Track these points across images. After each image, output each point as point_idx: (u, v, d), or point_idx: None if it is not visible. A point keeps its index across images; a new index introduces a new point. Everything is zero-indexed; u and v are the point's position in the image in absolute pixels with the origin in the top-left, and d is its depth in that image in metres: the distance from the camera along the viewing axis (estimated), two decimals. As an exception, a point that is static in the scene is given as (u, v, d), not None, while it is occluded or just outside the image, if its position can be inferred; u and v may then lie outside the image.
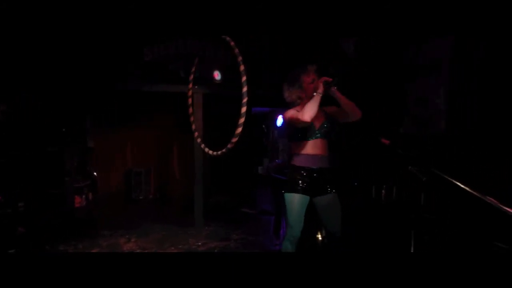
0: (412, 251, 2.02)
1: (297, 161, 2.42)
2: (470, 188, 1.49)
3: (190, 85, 2.91)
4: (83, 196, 5.55)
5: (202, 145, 3.01)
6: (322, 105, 2.36)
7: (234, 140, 2.89)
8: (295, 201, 2.38)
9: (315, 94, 2.23)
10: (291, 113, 2.37)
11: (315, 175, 2.38)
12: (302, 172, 2.38)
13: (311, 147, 2.38)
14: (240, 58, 2.98)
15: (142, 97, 5.19)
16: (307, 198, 2.41)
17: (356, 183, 3.86)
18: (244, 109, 2.87)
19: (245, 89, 2.92)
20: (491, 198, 1.43)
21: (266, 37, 4.52)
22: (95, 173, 5.86)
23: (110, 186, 6.10)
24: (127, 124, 6.02)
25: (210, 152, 3.22)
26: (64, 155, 5.12)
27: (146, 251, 3.70)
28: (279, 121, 7.46)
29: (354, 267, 1.44)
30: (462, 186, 1.51)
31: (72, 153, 5.28)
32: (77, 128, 5.53)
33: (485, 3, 2.24)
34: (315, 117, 2.33)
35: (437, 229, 2.78)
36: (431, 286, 1.51)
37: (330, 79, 2.20)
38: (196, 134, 2.92)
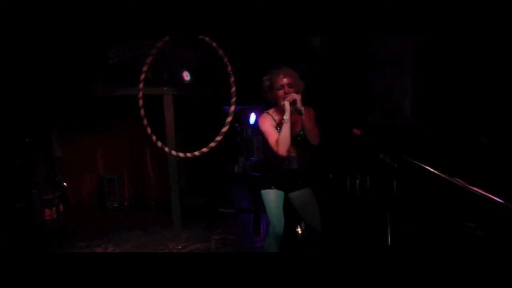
0: (388, 237, 2.08)
1: (270, 161, 2.46)
2: (439, 172, 1.56)
3: (141, 85, 2.80)
4: (54, 208, 5.31)
5: (166, 148, 2.96)
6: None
7: (219, 138, 2.91)
8: (271, 196, 2.42)
9: (283, 121, 2.20)
10: (266, 128, 2.35)
11: (287, 174, 2.42)
12: (275, 171, 2.41)
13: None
14: (226, 59, 3.03)
15: (110, 102, 5.02)
16: (282, 193, 2.45)
17: (331, 175, 3.94)
18: (232, 108, 2.95)
19: (233, 89, 3.01)
20: (458, 180, 1.50)
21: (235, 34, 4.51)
22: (65, 183, 5.62)
23: (82, 195, 5.88)
24: (96, 131, 5.82)
25: (176, 154, 3.19)
26: (30, 166, 4.89)
27: (124, 259, 3.60)
28: (252, 118, 7.48)
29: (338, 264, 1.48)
30: (432, 170, 1.58)
31: (39, 163, 5.05)
32: (42, 137, 5.29)
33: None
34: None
35: (410, 214, 2.89)
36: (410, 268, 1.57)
37: (296, 97, 2.17)
38: (153, 137, 2.83)
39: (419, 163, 1.60)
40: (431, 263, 2.65)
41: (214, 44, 3.12)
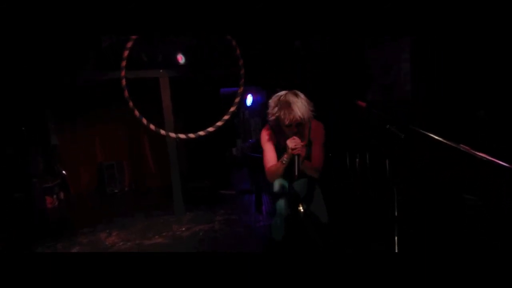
0: (395, 212, 2.09)
1: None
2: (445, 139, 1.56)
3: (123, 73, 2.68)
4: (55, 196, 5.32)
5: (162, 131, 2.92)
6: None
7: (226, 117, 2.91)
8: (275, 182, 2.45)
9: (283, 161, 2.18)
10: (264, 145, 2.38)
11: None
12: None
13: None
14: (234, 42, 3.01)
15: (106, 87, 4.95)
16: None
17: (330, 154, 3.95)
18: (241, 89, 2.95)
19: (242, 71, 3.00)
20: (464, 146, 1.51)
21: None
22: (64, 172, 5.60)
23: (82, 183, 5.87)
24: (93, 117, 5.75)
25: (176, 135, 3.16)
26: (28, 156, 4.85)
27: (129, 242, 3.63)
28: (249, 100, 7.43)
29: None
30: (438, 138, 1.58)
31: (36, 152, 5.01)
32: (38, 126, 5.23)
33: None
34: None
35: (414, 187, 2.92)
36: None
37: (300, 153, 2.12)
38: (144, 120, 2.78)
39: (426, 132, 1.60)
40: (434, 239, 2.70)
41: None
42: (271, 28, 2.51)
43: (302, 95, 2.17)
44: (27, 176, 4.86)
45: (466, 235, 2.52)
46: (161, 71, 4.41)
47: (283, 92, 2.19)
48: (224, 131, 7.13)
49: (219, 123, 2.89)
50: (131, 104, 2.71)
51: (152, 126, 2.84)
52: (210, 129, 2.89)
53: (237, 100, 2.96)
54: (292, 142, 2.09)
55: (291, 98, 2.11)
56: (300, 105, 2.10)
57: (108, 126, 5.91)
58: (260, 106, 7.11)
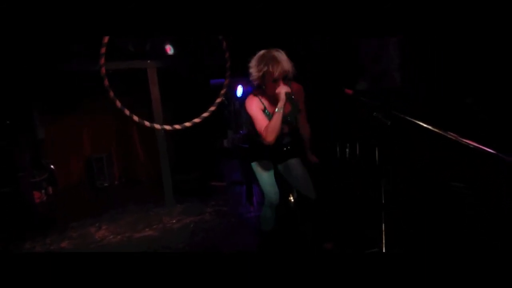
0: (383, 201, 2.10)
1: (257, 137, 2.41)
2: (432, 127, 1.56)
3: (102, 60, 2.55)
4: (43, 191, 5.24)
5: (146, 122, 2.85)
6: (287, 79, 2.23)
7: (212, 108, 2.87)
8: (260, 167, 2.45)
9: (277, 110, 2.09)
10: (253, 112, 2.24)
11: (274, 148, 2.40)
12: (264, 146, 2.39)
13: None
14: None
15: (93, 78, 4.85)
16: (271, 163, 2.47)
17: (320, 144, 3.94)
18: (227, 82, 2.92)
19: (228, 64, 2.97)
20: (451, 133, 1.51)
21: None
22: (52, 166, 5.51)
23: (70, 176, 5.79)
24: (80, 109, 5.65)
25: (161, 127, 3.12)
26: (13, 150, 4.75)
27: (119, 236, 3.60)
28: (239, 91, 7.37)
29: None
30: (425, 125, 1.58)
31: (22, 146, 4.91)
32: (24, 120, 5.12)
33: None
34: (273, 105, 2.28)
35: (401, 175, 2.94)
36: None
37: (289, 90, 2.09)
38: (126, 111, 2.68)
39: (412, 119, 1.60)
40: (423, 225, 2.72)
41: None
42: (271, 28, 2.47)
43: (282, 51, 2.16)
44: (13, 170, 4.77)
45: (454, 224, 2.55)
46: (148, 61, 4.34)
47: (263, 51, 2.16)
48: (215, 122, 7.10)
49: (205, 114, 2.85)
50: (111, 94, 2.61)
51: (135, 118, 2.76)
52: (196, 120, 2.85)
53: (223, 91, 2.93)
54: (283, 88, 2.09)
55: (275, 53, 2.10)
56: (285, 59, 2.11)
57: (96, 117, 5.81)
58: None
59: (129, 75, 4.87)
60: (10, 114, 4.75)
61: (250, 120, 2.33)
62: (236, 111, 8.05)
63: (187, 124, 2.87)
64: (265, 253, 2.59)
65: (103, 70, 2.63)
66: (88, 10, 2.22)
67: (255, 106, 2.25)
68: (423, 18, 2.33)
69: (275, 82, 2.12)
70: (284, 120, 2.23)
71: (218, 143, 7.39)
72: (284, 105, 2.09)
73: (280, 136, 2.32)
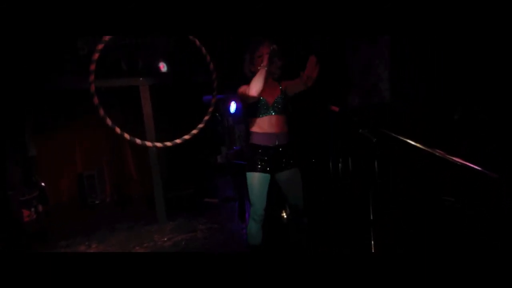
0: (371, 216, 2.10)
1: (255, 140, 2.41)
2: (419, 144, 1.57)
3: (92, 77, 2.54)
4: (32, 209, 5.14)
5: (138, 140, 2.82)
6: (277, 80, 2.37)
7: (201, 126, 2.85)
8: (255, 180, 2.39)
9: (259, 68, 2.21)
10: (242, 88, 2.34)
11: (272, 152, 2.39)
12: (260, 150, 2.38)
13: (267, 125, 2.36)
14: (204, 50, 2.98)
15: (85, 95, 4.86)
16: (267, 176, 2.42)
17: (313, 160, 3.95)
18: (214, 100, 2.93)
19: (214, 75, 3.00)
20: (439, 150, 1.51)
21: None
22: (42, 183, 5.44)
23: (61, 194, 5.71)
24: (72, 126, 5.63)
25: (152, 144, 3.09)
26: (4, 167, 4.70)
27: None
28: (233, 107, 7.41)
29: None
30: (411, 142, 1.59)
31: (12, 163, 4.86)
32: (15, 136, 5.08)
33: None
34: (268, 93, 2.33)
35: (391, 191, 2.94)
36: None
37: (275, 48, 2.19)
38: (117, 129, 2.66)
39: (397, 136, 1.61)
40: (414, 239, 2.71)
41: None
42: (271, 28, 2.50)
43: None
44: (2, 188, 4.71)
45: (443, 237, 2.54)
46: (141, 79, 4.37)
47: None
48: (208, 138, 7.10)
49: (194, 131, 2.85)
50: (101, 112, 2.58)
51: (126, 135, 2.74)
52: (186, 137, 2.84)
53: (210, 109, 2.93)
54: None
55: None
56: (270, 41, 2.30)
57: (88, 134, 5.79)
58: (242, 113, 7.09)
59: (121, 92, 4.89)
60: (1, 132, 4.72)
61: (243, 109, 2.43)
62: (229, 127, 8.07)
63: (178, 141, 2.85)
64: (262, 254, 2.54)
65: (93, 87, 2.59)
66: (88, 10, 2.22)
67: (243, 87, 2.35)
68: (423, 18, 2.36)
69: (260, 57, 2.27)
70: (274, 106, 2.32)
71: (211, 159, 7.37)
72: (270, 63, 2.21)
73: (273, 136, 2.34)
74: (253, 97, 2.21)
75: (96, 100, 2.59)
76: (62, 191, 5.74)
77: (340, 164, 3.72)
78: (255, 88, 2.16)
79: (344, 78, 3.89)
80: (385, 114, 3.24)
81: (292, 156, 2.44)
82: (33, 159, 5.42)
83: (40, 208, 5.32)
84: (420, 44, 3.05)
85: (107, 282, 1.47)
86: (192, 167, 6.03)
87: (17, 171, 5.08)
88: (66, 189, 5.77)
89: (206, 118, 2.88)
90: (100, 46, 2.47)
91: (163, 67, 4.83)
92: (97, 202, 5.67)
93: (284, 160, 2.41)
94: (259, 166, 2.37)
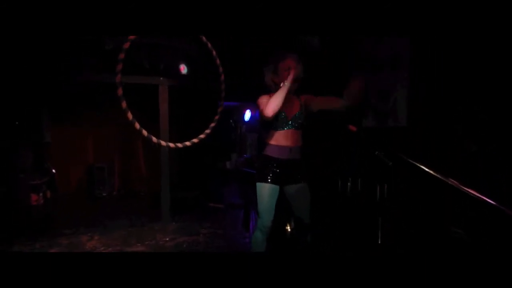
0: (379, 241, 2.07)
1: (268, 151, 2.41)
2: (433, 171, 1.55)
3: (119, 78, 2.56)
4: (40, 194, 5.24)
5: (154, 138, 2.85)
6: (298, 92, 2.38)
7: (208, 131, 2.87)
8: (264, 190, 2.38)
9: (281, 85, 2.21)
10: (260, 101, 2.34)
11: (284, 165, 2.39)
12: (273, 162, 2.38)
13: (283, 138, 2.36)
14: (214, 53, 3.03)
15: (104, 89, 4.94)
16: (277, 188, 2.41)
17: (322, 175, 3.93)
18: (220, 109, 2.97)
19: (223, 86, 3.06)
20: (453, 180, 1.49)
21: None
22: (53, 170, 5.54)
23: (70, 183, 5.80)
24: (88, 117, 5.73)
25: (166, 144, 3.13)
26: (18, 150, 4.80)
27: (111, 248, 3.55)
28: (247, 115, 7.46)
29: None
30: (426, 169, 1.57)
31: (27, 148, 4.96)
32: (32, 121, 5.19)
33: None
34: (288, 107, 2.34)
35: (400, 217, 2.90)
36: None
37: (301, 74, 2.21)
38: (136, 124, 2.68)
39: (414, 162, 1.59)
40: (419, 267, 2.65)
41: (204, 39, 3.08)
42: (271, 28, 2.52)
43: None
44: (14, 171, 4.80)
45: (448, 268, 2.48)
46: (161, 78, 4.43)
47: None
48: (220, 144, 7.13)
49: (201, 136, 2.89)
50: (124, 104, 2.59)
51: (144, 132, 2.77)
52: (195, 140, 2.89)
53: (216, 117, 2.97)
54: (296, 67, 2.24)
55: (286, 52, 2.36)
56: (295, 54, 2.33)
57: (102, 127, 5.89)
58: (258, 122, 7.12)
59: (139, 90, 4.96)
60: (20, 116, 4.84)
61: (260, 119, 2.39)
62: (242, 135, 8.11)
63: (187, 143, 2.89)
64: (264, 254, 2.52)
65: (119, 77, 2.61)
66: (88, 9, 2.27)
67: (263, 99, 2.34)
68: (422, 18, 2.34)
69: (287, 70, 2.26)
70: (292, 121, 2.32)
71: (220, 165, 7.40)
72: (292, 82, 2.20)
73: (287, 149, 2.34)
74: (267, 117, 2.20)
75: (120, 92, 2.60)
76: (71, 180, 5.82)
77: (349, 184, 3.69)
78: (271, 107, 2.16)
79: (362, 100, 3.87)
80: (400, 138, 3.21)
81: (303, 171, 2.44)
82: (47, 145, 5.53)
83: (48, 194, 5.42)
84: (440, 69, 3.03)
85: (106, 282, 1.47)
86: (201, 171, 6.06)
87: (30, 156, 5.18)
88: (76, 178, 5.85)
89: (213, 125, 2.91)
90: (127, 45, 2.50)
91: (183, 69, 4.90)
92: (104, 194, 5.73)
93: (294, 173, 2.40)
94: (269, 178, 2.37)
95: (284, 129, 2.36)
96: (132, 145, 6.07)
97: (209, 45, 3.11)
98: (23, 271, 1.50)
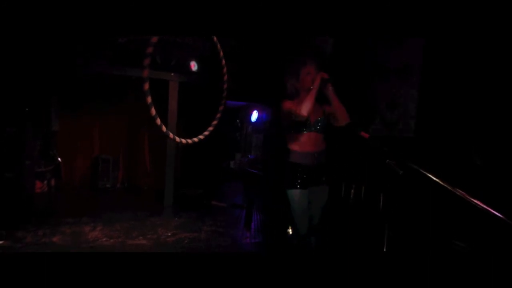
0: (384, 249, 2.08)
1: (294, 158, 2.43)
2: (443, 182, 1.56)
3: (146, 73, 2.58)
4: (45, 182, 5.28)
5: (171, 135, 2.89)
6: (321, 102, 2.39)
7: (214, 122, 2.90)
8: (296, 196, 2.40)
9: (311, 87, 2.25)
10: (288, 105, 2.37)
11: (312, 171, 2.41)
12: (300, 169, 2.39)
13: (306, 142, 2.39)
14: (222, 54, 3.07)
15: (114, 81, 4.98)
16: (306, 192, 2.42)
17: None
18: (222, 108, 3.00)
19: (225, 85, 3.10)
20: (460, 191, 1.50)
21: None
22: (59, 159, 5.58)
23: (75, 173, 5.83)
24: (96, 108, 5.77)
25: (183, 141, 3.16)
26: (25, 137, 4.84)
27: (112, 239, 3.57)
28: (254, 116, 7.47)
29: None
30: (436, 179, 1.58)
31: (35, 135, 5.00)
32: (41, 109, 5.23)
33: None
34: (312, 111, 2.36)
35: (405, 226, 2.89)
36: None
37: (327, 76, 2.22)
38: (158, 120, 2.71)
39: (424, 172, 1.60)
40: (420, 277, 2.65)
41: (215, 39, 3.12)
42: (271, 28, 2.53)
43: None
44: (21, 157, 4.83)
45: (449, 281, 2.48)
46: (172, 74, 4.47)
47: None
48: (225, 143, 7.15)
49: (205, 133, 2.93)
50: (149, 99, 2.61)
51: (163, 128, 2.84)
52: (195, 139, 2.95)
53: (218, 115, 3.01)
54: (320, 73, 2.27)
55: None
56: (314, 59, 2.38)
57: (110, 120, 5.92)
58: (264, 123, 7.13)
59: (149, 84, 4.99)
60: (29, 103, 4.87)
61: (284, 123, 2.44)
62: (247, 135, 8.13)
63: (189, 141, 2.94)
64: (264, 254, 2.53)
65: (146, 72, 2.65)
66: (88, 9, 2.29)
67: (289, 103, 2.39)
68: (422, 18, 2.34)
69: (308, 75, 2.32)
70: (315, 125, 2.38)
71: (224, 164, 7.42)
72: (319, 83, 2.24)
73: (312, 156, 2.38)
74: (302, 116, 2.25)
75: (146, 86, 2.62)
76: (77, 170, 5.86)
77: (352, 190, 3.69)
78: (306, 107, 2.21)
79: (371, 107, 3.89)
80: (407, 148, 3.21)
81: (328, 173, 2.47)
82: (55, 134, 5.57)
83: (52, 182, 5.45)
84: (450, 80, 3.03)
85: (104, 280, 1.48)
86: (205, 169, 6.08)
87: (37, 143, 5.22)
88: (81, 168, 5.89)
89: (215, 123, 2.95)
90: (155, 39, 2.52)
91: (193, 66, 4.94)
92: (108, 186, 5.77)
93: (320, 176, 2.44)
94: (298, 183, 2.39)
95: (306, 132, 2.39)
96: (138, 139, 6.10)
97: (219, 45, 3.15)
98: (21, 271, 1.52)
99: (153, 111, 2.66)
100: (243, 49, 4.86)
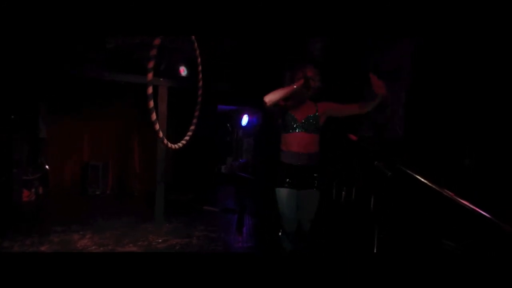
0: (374, 250, 2.09)
1: (284, 158, 2.45)
2: (430, 183, 1.57)
3: (150, 76, 2.57)
4: (33, 190, 5.19)
5: (165, 141, 2.88)
6: (315, 99, 2.43)
7: (192, 127, 2.92)
8: (283, 194, 2.42)
9: (294, 85, 2.27)
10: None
11: (299, 171, 2.42)
12: (289, 168, 2.41)
13: (293, 142, 2.40)
14: (199, 60, 3.11)
15: (103, 86, 4.94)
16: (294, 191, 2.44)
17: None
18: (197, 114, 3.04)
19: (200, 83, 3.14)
20: (447, 191, 1.52)
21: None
22: (47, 166, 5.49)
23: (64, 180, 5.74)
24: (85, 114, 5.70)
25: (172, 146, 3.16)
26: (12, 144, 4.75)
27: (102, 248, 3.52)
28: (244, 120, 7.48)
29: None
30: (424, 180, 1.60)
31: (22, 142, 4.92)
32: (28, 116, 5.15)
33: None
34: (299, 110, 2.40)
35: (394, 227, 2.91)
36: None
37: (310, 81, 2.27)
38: (157, 125, 2.71)
39: (412, 173, 1.61)
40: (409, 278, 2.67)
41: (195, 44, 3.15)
42: (271, 28, 2.53)
43: None
44: (8, 165, 4.75)
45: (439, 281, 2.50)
46: (161, 79, 4.44)
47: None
48: (215, 147, 7.13)
49: (186, 138, 2.95)
50: (151, 104, 2.60)
51: (160, 133, 2.84)
52: (180, 144, 2.97)
53: (196, 114, 3.06)
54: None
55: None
56: (312, 66, 2.41)
57: (98, 125, 5.86)
58: (255, 127, 7.14)
59: (138, 89, 4.97)
60: (16, 110, 4.80)
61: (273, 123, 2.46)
62: (238, 139, 8.12)
63: (176, 146, 2.95)
64: (263, 254, 2.52)
65: (150, 75, 2.64)
66: (89, 9, 2.27)
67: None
68: (421, 18, 2.36)
69: (302, 78, 2.32)
70: (302, 125, 2.37)
71: (216, 169, 7.39)
72: (301, 86, 2.26)
73: (297, 155, 2.38)
74: (264, 103, 2.27)
75: (150, 91, 2.62)
76: (66, 177, 5.78)
77: (343, 192, 3.71)
78: (270, 96, 2.23)
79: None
80: (396, 149, 3.25)
81: (318, 178, 2.46)
82: (43, 141, 5.49)
83: (40, 190, 5.36)
84: (438, 83, 3.07)
85: (100, 281, 1.46)
86: (196, 174, 6.05)
87: (24, 150, 5.13)
88: (70, 175, 5.80)
89: (192, 128, 2.98)
90: (157, 41, 2.50)
91: (183, 71, 4.93)
92: (97, 192, 5.69)
93: (309, 179, 2.44)
94: (286, 183, 2.41)
95: (293, 132, 2.39)
96: (128, 144, 6.05)
97: (197, 51, 3.18)
98: (15, 272, 1.49)
99: (154, 115, 2.66)
100: (236, 52, 4.87)
